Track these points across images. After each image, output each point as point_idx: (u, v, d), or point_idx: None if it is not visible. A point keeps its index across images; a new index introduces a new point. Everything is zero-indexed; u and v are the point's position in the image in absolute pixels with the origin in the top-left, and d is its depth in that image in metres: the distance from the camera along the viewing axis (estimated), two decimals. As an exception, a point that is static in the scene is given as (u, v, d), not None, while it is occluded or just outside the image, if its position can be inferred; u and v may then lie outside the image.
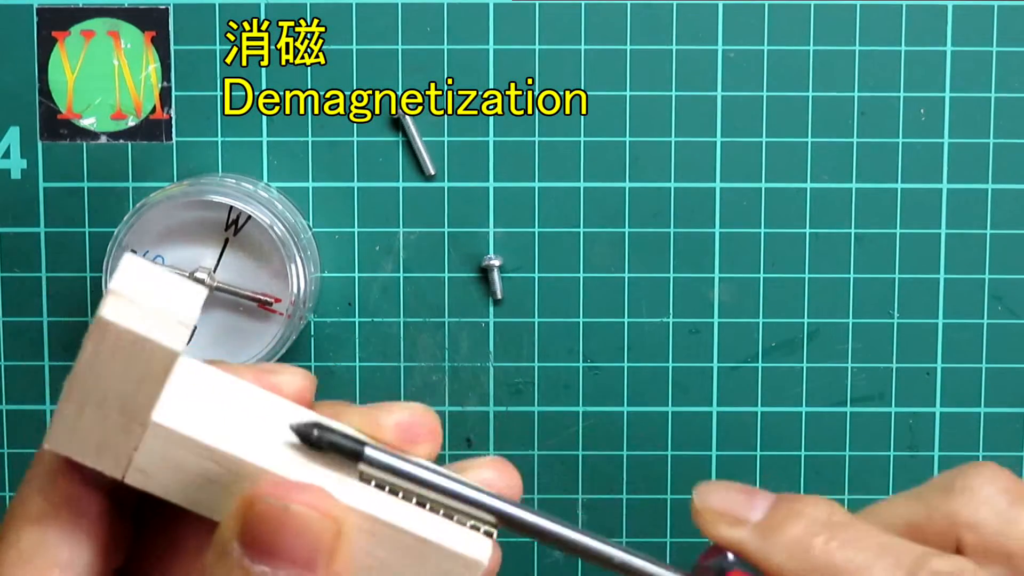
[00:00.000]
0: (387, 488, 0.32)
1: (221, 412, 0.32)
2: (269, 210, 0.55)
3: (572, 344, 0.60)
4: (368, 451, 0.32)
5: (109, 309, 0.29)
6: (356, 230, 0.59)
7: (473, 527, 0.32)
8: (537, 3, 0.58)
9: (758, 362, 0.60)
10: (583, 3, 0.58)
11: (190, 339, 0.31)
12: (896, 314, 0.60)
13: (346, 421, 0.33)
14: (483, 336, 0.59)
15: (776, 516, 0.34)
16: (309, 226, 0.59)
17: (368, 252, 0.59)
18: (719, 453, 0.60)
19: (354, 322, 0.59)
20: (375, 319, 0.59)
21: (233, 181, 0.57)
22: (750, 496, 0.35)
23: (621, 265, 0.59)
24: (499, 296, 0.59)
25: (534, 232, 0.59)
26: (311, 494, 0.30)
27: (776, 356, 0.60)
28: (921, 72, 0.59)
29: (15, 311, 0.59)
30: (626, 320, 0.59)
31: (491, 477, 0.34)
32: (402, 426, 0.33)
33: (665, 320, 0.60)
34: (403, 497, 0.32)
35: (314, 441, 0.31)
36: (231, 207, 0.55)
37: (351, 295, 0.59)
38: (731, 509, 0.34)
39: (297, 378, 0.34)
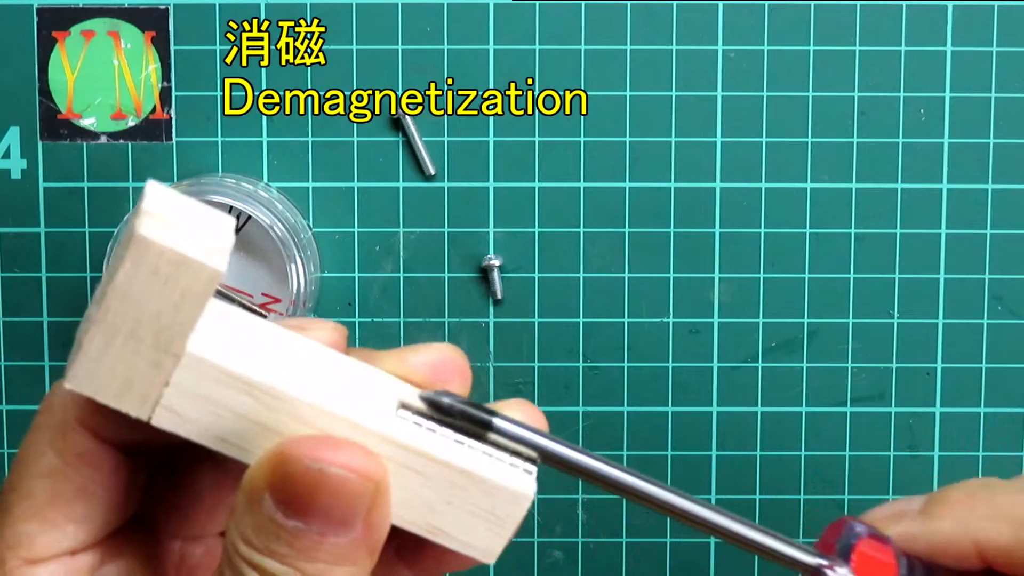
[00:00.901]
0: (425, 424, 0.31)
1: (254, 347, 0.30)
2: (269, 210, 0.55)
3: (572, 344, 0.60)
4: (497, 421, 0.31)
5: (147, 227, 0.27)
6: (356, 230, 0.59)
7: (513, 464, 0.31)
8: (537, 3, 0.58)
9: (758, 362, 0.60)
10: (583, 3, 0.58)
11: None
12: (896, 314, 0.60)
13: (378, 365, 0.33)
14: (483, 336, 0.60)
15: (934, 497, 0.34)
16: (309, 226, 0.59)
17: (368, 252, 0.59)
18: (719, 453, 0.60)
19: (354, 322, 0.59)
20: (375, 319, 0.59)
21: (233, 181, 0.57)
22: (907, 500, 0.35)
23: (621, 265, 0.59)
24: (499, 296, 0.59)
25: (534, 232, 0.59)
26: (348, 453, 0.29)
27: (776, 356, 0.60)
28: (921, 72, 0.59)
29: (15, 311, 0.59)
30: (626, 320, 0.59)
31: (520, 419, 0.33)
32: (432, 366, 0.33)
33: (665, 320, 0.60)
34: (441, 435, 0.31)
35: (445, 408, 0.31)
36: (231, 207, 0.55)
37: (351, 295, 0.59)
38: (891, 512, 0.35)
39: (327, 332, 0.33)
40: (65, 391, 0.30)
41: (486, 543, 0.31)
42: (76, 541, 0.31)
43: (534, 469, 0.32)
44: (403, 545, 0.33)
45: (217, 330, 0.30)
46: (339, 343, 0.33)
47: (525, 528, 0.60)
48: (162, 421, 0.30)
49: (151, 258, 0.28)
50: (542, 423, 0.34)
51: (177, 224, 0.28)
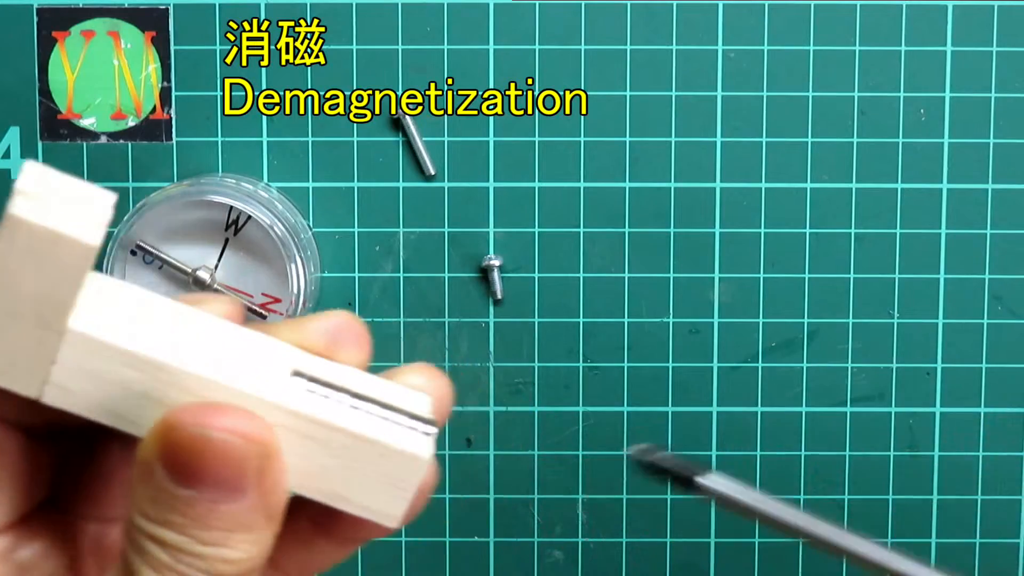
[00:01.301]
0: (318, 390, 0.31)
1: (140, 321, 0.30)
2: (269, 210, 0.55)
3: (572, 344, 0.60)
4: (700, 479, 0.31)
5: (19, 207, 0.28)
6: (356, 230, 0.59)
7: (411, 428, 0.31)
8: (537, 3, 0.58)
9: (758, 362, 0.60)
10: (583, 3, 0.58)
11: (105, 242, 0.29)
12: (896, 314, 0.60)
13: (275, 334, 0.32)
14: (483, 336, 0.59)
15: None
16: (309, 226, 0.59)
17: (368, 252, 0.59)
18: (719, 453, 0.60)
19: (354, 322, 0.59)
20: (375, 319, 0.59)
21: (233, 181, 0.57)
22: None
23: (621, 265, 0.59)
24: (499, 296, 0.59)
25: (534, 232, 0.59)
26: (232, 417, 0.29)
27: (776, 356, 0.60)
28: (921, 72, 0.59)
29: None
30: (626, 320, 0.59)
31: (420, 383, 0.33)
32: (329, 332, 0.33)
33: (665, 320, 0.60)
34: (337, 402, 0.31)
35: (655, 464, 0.31)
36: (231, 207, 0.55)
37: (351, 295, 0.59)
38: None
39: (223, 305, 0.33)
40: None
41: (388, 507, 0.31)
42: None
43: (433, 430, 0.31)
44: (316, 515, 0.33)
45: (102, 305, 0.30)
46: (235, 316, 0.33)
47: (525, 528, 0.60)
48: (53, 399, 0.30)
49: (23, 237, 0.28)
50: (444, 387, 0.33)
51: (51, 201, 0.28)
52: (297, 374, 0.31)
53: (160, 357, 0.30)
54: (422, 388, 0.33)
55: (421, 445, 0.31)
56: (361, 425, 0.31)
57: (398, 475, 0.31)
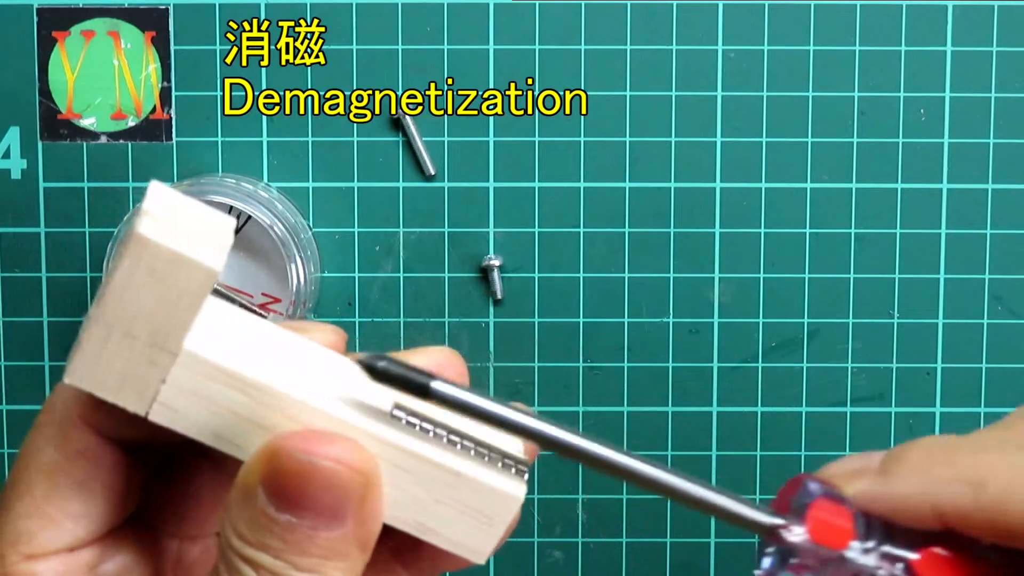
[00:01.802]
0: (418, 427, 0.31)
1: (250, 346, 0.31)
2: (269, 210, 0.55)
3: (572, 344, 0.60)
4: (435, 384, 0.31)
5: (146, 227, 0.28)
6: (356, 230, 0.59)
7: (504, 466, 0.32)
8: (537, 3, 0.58)
9: (758, 362, 0.60)
10: (583, 3, 0.58)
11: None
12: (896, 314, 0.60)
13: None
14: (483, 336, 0.60)
15: (892, 455, 0.34)
16: (309, 226, 0.59)
17: (368, 252, 0.59)
18: (719, 453, 0.60)
19: (354, 322, 0.59)
20: (375, 319, 0.59)
21: (233, 181, 0.57)
22: (866, 456, 0.35)
23: (621, 265, 0.59)
24: (499, 296, 0.59)
25: (534, 232, 0.59)
26: (339, 447, 0.29)
27: (776, 356, 0.60)
28: (921, 72, 0.59)
29: (15, 311, 0.59)
30: (626, 320, 0.59)
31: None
32: (430, 369, 0.33)
33: (665, 320, 0.60)
34: (435, 436, 0.31)
35: (380, 371, 0.30)
36: (231, 207, 0.55)
37: (351, 295, 0.59)
38: (849, 469, 0.34)
39: (327, 334, 0.33)
40: (67, 389, 0.31)
41: (476, 543, 0.32)
42: (75, 537, 0.32)
43: (526, 470, 0.32)
44: (399, 546, 0.33)
45: (215, 328, 0.30)
46: (338, 345, 0.34)
47: (525, 528, 0.60)
48: (159, 417, 0.30)
49: (148, 257, 0.28)
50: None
51: (176, 224, 0.28)
52: (399, 407, 0.31)
53: (269, 383, 0.30)
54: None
55: (515, 484, 0.31)
56: (459, 461, 0.31)
57: (490, 512, 0.31)
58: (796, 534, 0.32)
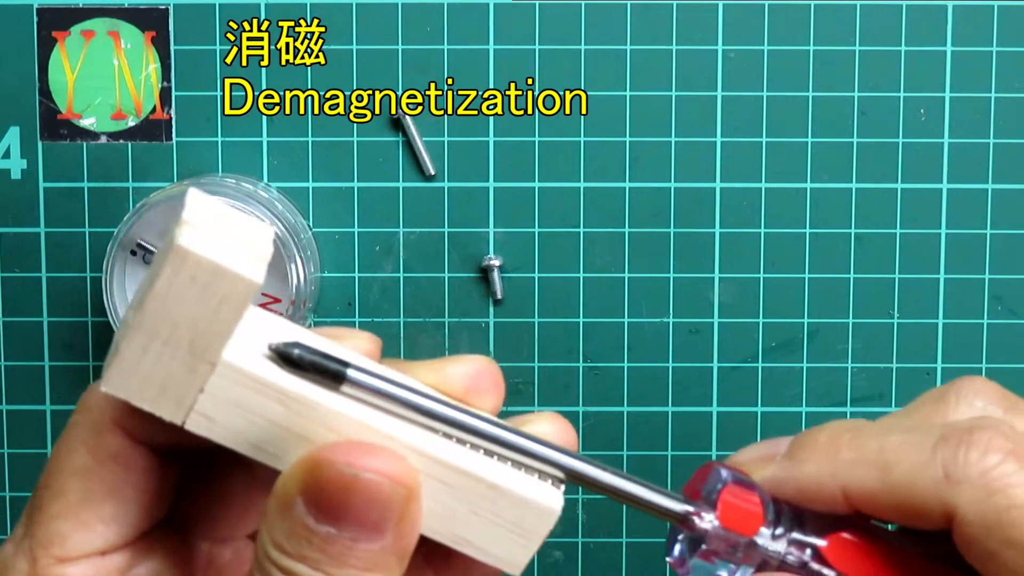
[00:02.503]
0: (455, 439, 0.31)
1: None
2: (269, 210, 0.55)
3: (572, 344, 0.60)
4: (351, 372, 0.30)
5: (187, 238, 0.28)
6: (356, 230, 0.59)
7: (540, 478, 0.32)
8: (537, 3, 0.58)
9: (758, 362, 0.60)
10: (583, 3, 0.58)
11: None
12: (896, 314, 0.60)
13: (413, 375, 0.33)
14: (483, 336, 0.59)
15: (799, 440, 0.34)
16: (309, 226, 0.59)
17: (368, 252, 0.59)
18: (719, 453, 0.60)
19: (354, 322, 0.59)
20: (375, 319, 0.59)
21: (233, 181, 0.57)
22: (774, 441, 0.35)
23: (621, 265, 0.59)
24: (499, 296, 0.59)
25: (534, 232, 0.59)
26: (382, 459, 0.29)
27: (776, 356, 0.60)
28: (921, 72, 0.59)
29: (15, 311, 0.59)
30: (626, 320, 0.59)
31: (548, 431, 0.33)
32: (469, 377, 0.33)
33: (665, 320, 0.60)
34: (471, 447, 0.31)
35: (295, 360, 0.30)
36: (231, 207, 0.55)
37: (351, 295, 0.59)
38: (758, 454, 0.35)
39: (363, 341, 0.33)
40: (101, 392, 0.31)
41: (511, 555, 0.32)
42: (106, 541, 0.32)
43: (562, 484, 0.32)
44: (431, 552, 0.33)
45: (254, 338, 0.30)
46: (373, 353, 0.34)
47: (525, 528, 0.60)
48: (196, 426, 0.30)
49: (189, 268, 0.28)
50: (571, 437, 0.33)
51: (216, 234, 0.28)
52: (434, 416, 0.31)
53: (307, 394, 0.30)
54: (550, 435, 0.33)
55: (553, 497, 0.31)
56: (496, 474, 0.31)
57: (527, 524, 0.31)
58: (706, 520, 0.33)
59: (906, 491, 0.31)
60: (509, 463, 0.31)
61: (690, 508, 0.33)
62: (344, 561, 0.29)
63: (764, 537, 0.33)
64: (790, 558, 0.33)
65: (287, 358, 0.30)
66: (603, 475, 0.32)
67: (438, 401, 0.32)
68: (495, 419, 0.32)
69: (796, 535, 0.33)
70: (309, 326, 0.59)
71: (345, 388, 0.31)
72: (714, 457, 0.60)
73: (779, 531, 0.33)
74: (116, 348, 0.30)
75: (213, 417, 0.30)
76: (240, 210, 0.55)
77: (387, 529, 0.29)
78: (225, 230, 0.29)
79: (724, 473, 0.33)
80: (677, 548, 0.34)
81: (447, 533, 0.31)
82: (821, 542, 0.33)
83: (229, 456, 0.31)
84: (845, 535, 0.33)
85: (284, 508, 0.29)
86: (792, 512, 0.33)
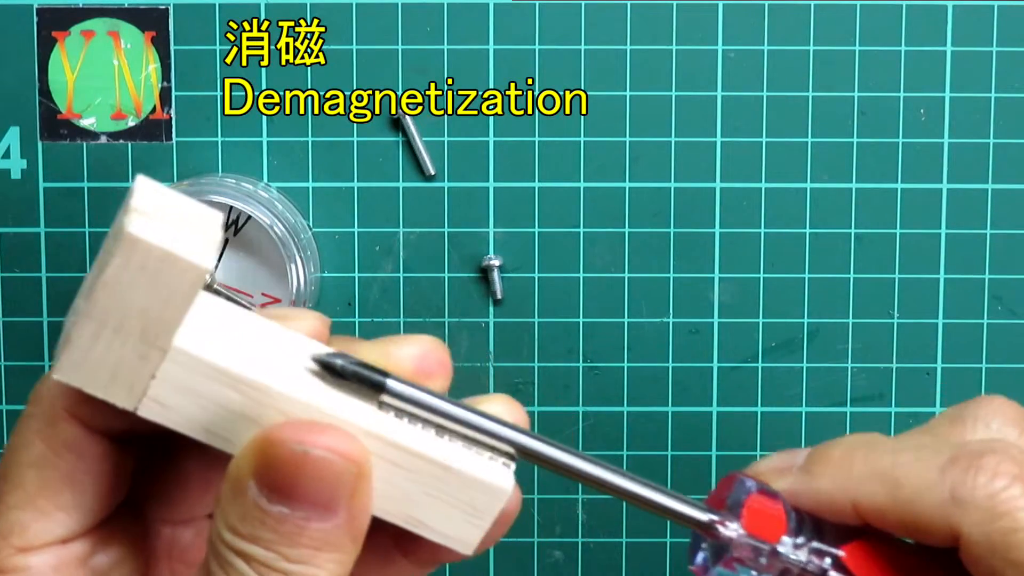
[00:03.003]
0: (407, 419, 0.31)
1: (240, 341, 0.31)
2: (269, 210, 0.55)
3: (572, 344, 0.60)
4: (390, 382, 0.31)
5: (136, 225, 0.28)
6: (356, 230, 0.59)
7: (492, 458, 0.32)
8: (537, 3, 0.58)
9: (758, 362, 0.60)
10: (583, 3, 0.58)
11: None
12: (896, 314, 0.60)
13: (360, 353, 0.33)
14: (483, 336, 0.60)
15: (815, 453, 0.35)
16: (309, 226, 0.59)
17: (368, 252, 0.59)
18: (719, 453, 0.60)
19: (354, 322, 0.59)
20: (375, 319, 0.59)
21: (233, 181, 0.57)
22: (792, 452, 0.36)
23: (621, 265, 0.59)
24: (499, 296, 0.59)
25: (534, 232, 0.59)
26: (332, 436, 0.29)
27: (776, 356, 0.60)
28: (921, 72, 0.59)
29: (15, 311, 0.59)
30: (626, 320, 0.59)
31: (500, 411, 0.33)
32: (416, 359, 0.33)
33: (665, 320, 0.60)
34: (422, 428, 0.31)
35: (338, 370, 0.31)
36: (231, 207, 0.55)
37: (351, 295, 0.59)
38: (776, 465, 0.35)
39: (310, 321, 0.34)
40: (53, 382, 0.31)
41: (465, 535, 0.32)
42: (66, 529, 0.32)
43: (513, 464, 0.32)
44: (400, 534, 0.33)
45: (204, 324, 0.30)
46: (322, 332, 0.34)
47: (525, 528, 0.60)
48: (148, 412, 0.30)
49: (139, 255, 0.28)
50: (522, 417, 0.34)
51: (165, 220, 0.28)
52: (384, 407, 0.31)
53: (260, 379, 0.30)
54: (502, 414, 0.33)
55: (503, 476, 0.32)
56: (447, 454, 0.31)
57: (478, 504, 0.31)
58: (731, 529, 0.33)
59: (914, 509, 0.32)
60: (460, 443, 0.32)
61: (715, 517, 0.33)
62: (297, 541, 0.29)
63: (786, 546, 0.34)
64: (811, 567, 0.34)
65: (330, 368, 0.31)
66: (631, 485, 0.33)
67: (474, 411, 0.32)
68: (449, 398, 0.32)
69: (816, 544, 0.34)
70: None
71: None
72: (714, 457, 0.60)
73: (800, 540, 0.34)
74: (67, 336, 0.30)
75: (166, 403, 0.30)
76: (250, 213, 0.55)
77: (339, 507, 0.29)
78: (174, 217, 0.29)
79: (748, 483, 0.34)
80: (700, 556, 0.35)
81: (401, 514, 0.31)
82: (840, 552, 0.34)
83: (184, 439, 0.31)
84: (863, 544, 0.34)
85: (237, 491, 0.29)
86: (812, 522, 0.34)
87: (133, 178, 0.59)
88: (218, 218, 0.29)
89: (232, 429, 0.30)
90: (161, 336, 0.29)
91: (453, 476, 0.31)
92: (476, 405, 0.33)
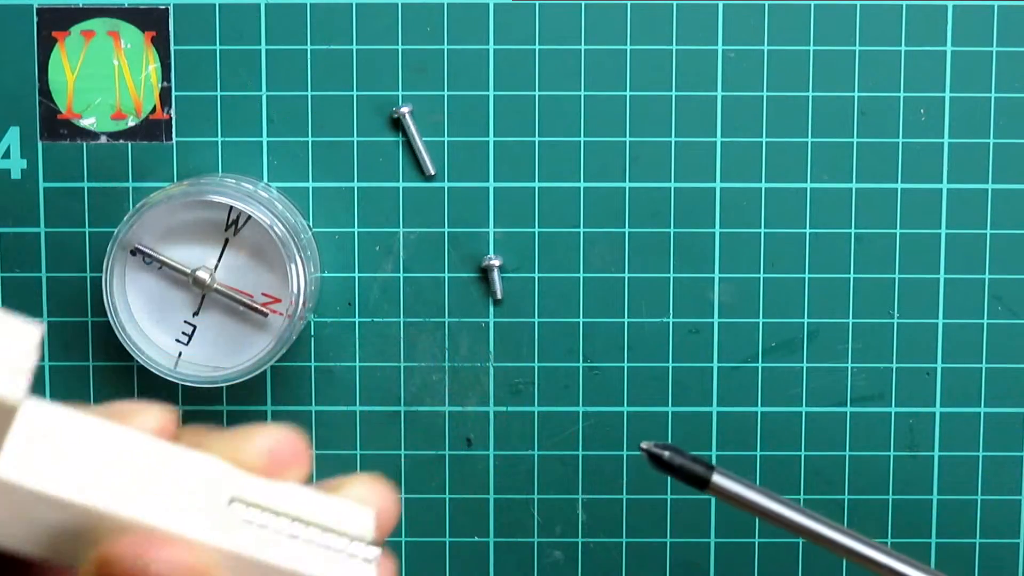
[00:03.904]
0: (257, 522, 0.30)
1: (75, 457, 0.29)
2: (269, 210, 0.55)
3: (572, 344, 0.60)
4: (716, 477, 0.32)
5: None
6: (356, 230, 0.59)
7: (351, 556, 0.31)
8: (537, 3, 0.58)
9: (758, 362, 0.60)
10: (583, 3, 0.58)
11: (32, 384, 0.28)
12: (896, 314, 0.60)
13: (209, 448, 0.31)
14: (483, 336, 0.59)
15: None
16: (309, 226, 0.59)
17: (368, 252, 0.59)
18: (719, 453, 0.60)
19: (354, 322, 0.59)
20: (375, 319, 0.59)
21: (233, 181, 0.57)
22: None
23: (621, 265, 0.59)
24: (499, 296, 0.59)
25: (534, 232, 0.59)
26: (173, 549, 0.29)
27: (776, 356, 0.60)
28: (921, 72, 0.59)
29: (15, 311, 0.59)
30: (626, 320, 0.59)
31: (363, 495, 0.32)
32: (268, 452, 0.32)
33: (665, 320, 0.60)
34: (275, 532, 0.30)
35: (666, 462, 0.31)
36: (231, 207, 0.55)
37: (351, 295, 0.59)
38: None
39: (152, 417, 0.32)
40: None
41: None
42: None
43: (375, 553, 0.31)
44: None
45: (32, 442, 0.29)
46: (166, 427, 0.32)
47: (525, 528, 0.60)
48: None
49: None
50: (389, 499, 0.33)
51: None
52: (235, 500, 0.30)
53: (91, 502, 0.29)
54: (366, 501, 0.32)
55: (360, 574, 0.31)
56: (299, 561, 0.30)
57: None
58: None
59: None
60: (316, 546, 0.30)
61: None
62: None
63: None
64: None
65: (657, 459, 0.31)
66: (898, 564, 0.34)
67: (796, 511, 0.33)
68: (303, 490, 0.31)
69: None
70: (309, 324, 0.59)
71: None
72: (713, 458, 0.60)
73: None
74: None
75: None
76: (250, 213, 0.55)
77: None
78: None
79: None
80: None
81: None
82: None
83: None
84: None
85: None
86: None
87: (133, 178, 0.59)
88: (35, 334, 0.28)
89: (70, 548, 0.29)
90: None
91: None
92: (339, 490, 0.32)
